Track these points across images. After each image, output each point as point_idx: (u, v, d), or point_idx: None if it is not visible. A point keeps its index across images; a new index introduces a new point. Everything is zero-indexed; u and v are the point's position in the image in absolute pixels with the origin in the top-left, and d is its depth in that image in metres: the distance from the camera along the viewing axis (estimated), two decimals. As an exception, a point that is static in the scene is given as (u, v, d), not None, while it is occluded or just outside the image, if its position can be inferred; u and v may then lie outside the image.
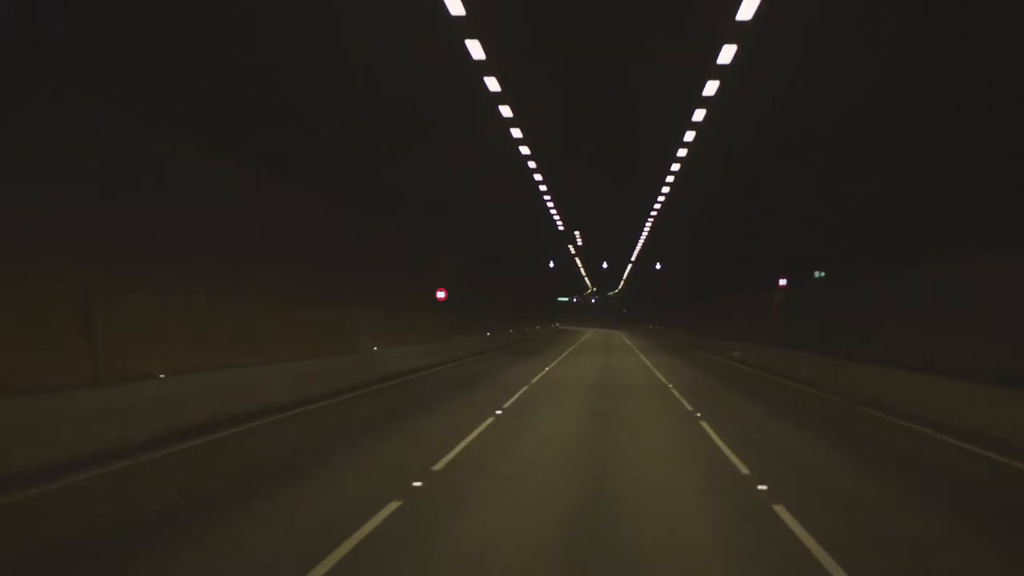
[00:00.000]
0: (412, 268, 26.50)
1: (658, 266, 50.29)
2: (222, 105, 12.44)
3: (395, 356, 21.19)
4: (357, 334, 19.88)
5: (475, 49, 13.85)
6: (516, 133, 21.05)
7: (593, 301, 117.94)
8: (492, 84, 16.10)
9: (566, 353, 34.77)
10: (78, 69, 9.46)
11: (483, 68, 14.93)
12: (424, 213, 24.90)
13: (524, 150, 23.31)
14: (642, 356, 32.77)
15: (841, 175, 18.94)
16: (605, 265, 58.91)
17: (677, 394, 16.64)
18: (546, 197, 32.32)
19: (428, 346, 25.27)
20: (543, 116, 20.23)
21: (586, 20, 14.00)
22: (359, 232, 20.95)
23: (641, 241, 47.92)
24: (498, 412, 13.12)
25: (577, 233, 41.48)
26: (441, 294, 27.45)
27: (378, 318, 22.08)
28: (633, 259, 56.11)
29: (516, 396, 15.69)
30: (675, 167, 25.63)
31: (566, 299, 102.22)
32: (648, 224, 41.20)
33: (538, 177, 28.01)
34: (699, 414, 13.13)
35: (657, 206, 34.68)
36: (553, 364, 26.61)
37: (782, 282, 26.21)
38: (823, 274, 23.85)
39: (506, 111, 18.61)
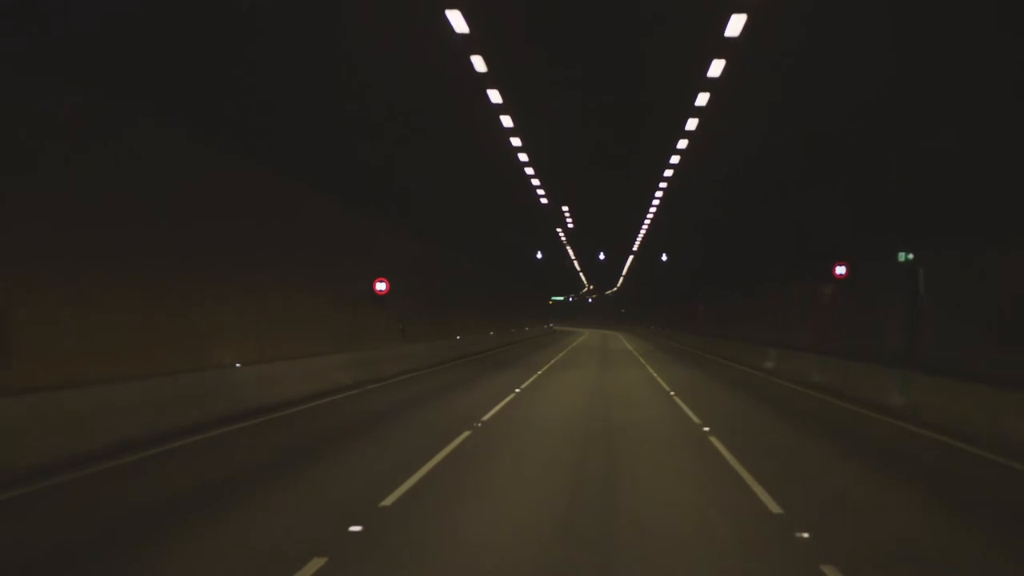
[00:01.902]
0: (348, 250, 20.01)
1: (664, 257, 43.78)
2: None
3: (279, 376, 14.13)
4: (213, 340, 13.28)
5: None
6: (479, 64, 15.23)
7: (590, 300, 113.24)
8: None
9: (551, 363, 27.30)
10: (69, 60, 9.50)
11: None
12: (372, 185, 19.58)
13: (505, 119, 18.10)
14: (650, 368, 25.06)
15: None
16: (602, 256, 52.55)
17: (729, 455, 9.35)
18: (534, 181, 26.62)
19: (353, 356, 18.30)
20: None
21: None
22: (251, 194, 14.71)
23: (643, 231, 42.00)
24: (339, 540, 5.82)
25: (566, 209, 34.46)
26: (382, 286, 20.78)
27: (279, 318, 15.85)
28: (635, 249, 50.06)
29: (425, 470, 8.20)
30: (683, 143, 20.82)
31: (561, 298, 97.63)
32: (651, 211, 35.40)
33: (524, 158, 22.75)
34: (818, 546, 5.78)
35: (659, 195, 29.70)
36: (528, 383, 19.08)
37: (840, 270, 19.35)
38: (911, 256, 16.80)
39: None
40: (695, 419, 12.61)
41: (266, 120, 13.81)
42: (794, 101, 15.42)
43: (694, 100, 16.41)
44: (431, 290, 28.63)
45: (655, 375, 22.02)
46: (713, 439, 10.51)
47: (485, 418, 12.31)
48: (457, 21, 11.91)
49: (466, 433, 10.67)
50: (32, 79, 9.35)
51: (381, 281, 21.02)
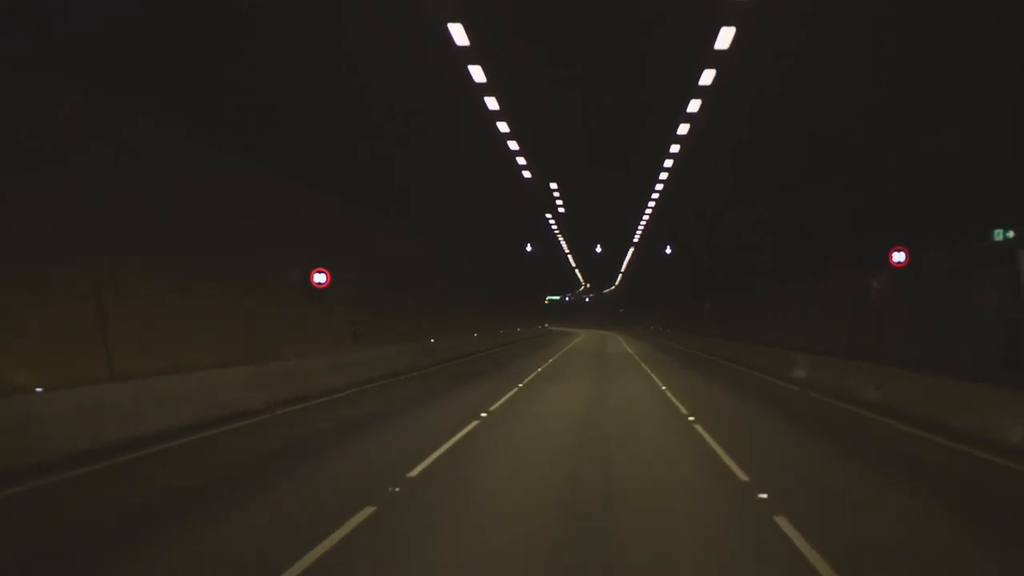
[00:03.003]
0: (272, 230, 16.23)
1: (668, 250, 42.66)
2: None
3: (116, 405, 9.85)
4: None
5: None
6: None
7: (588, 300, 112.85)
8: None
9: (538, 372, 23.28)
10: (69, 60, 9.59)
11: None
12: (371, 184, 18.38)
13: (496, 112, 17.62)
14: (657, 379, 20.84)
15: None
16: (599, 249, 51.63)
17: None
18: (523, 168, 25.68)
19: (267, 369, 14.04)
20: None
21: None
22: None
23: (641, 229, 41.75)
24: None
25: (554, 185, 31.92)
26: (321, 277, 17.19)
27: (142, 320, 11.82)
28: (634, 245, 49.75)
29: None
30: (676, 147, 20.95)
31: (557, 297, 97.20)
32: (649, 209, 35.37)
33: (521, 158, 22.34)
34: None
35: (655, 196, 29.78)
36: (500, 402, 14.71)
37: (897, 257, 16.00)
38: (1011, 234, 13.62)
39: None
40: (741, 475, 8.20)
41: (266, 120, 13.78)
42: (794, 100, 15.45)
43: (690, 100, 16.53)
44: (403, 286, 25.95)
45: (666, 390, 17.61)
46: (795, 538, 5.92)
47: (412, 474, 8.05)
48: (454, 25, 12.00)
49: (358, 517, 6.30)
50: (32, 79, 9.40)
51: (320, 272, 17.15)
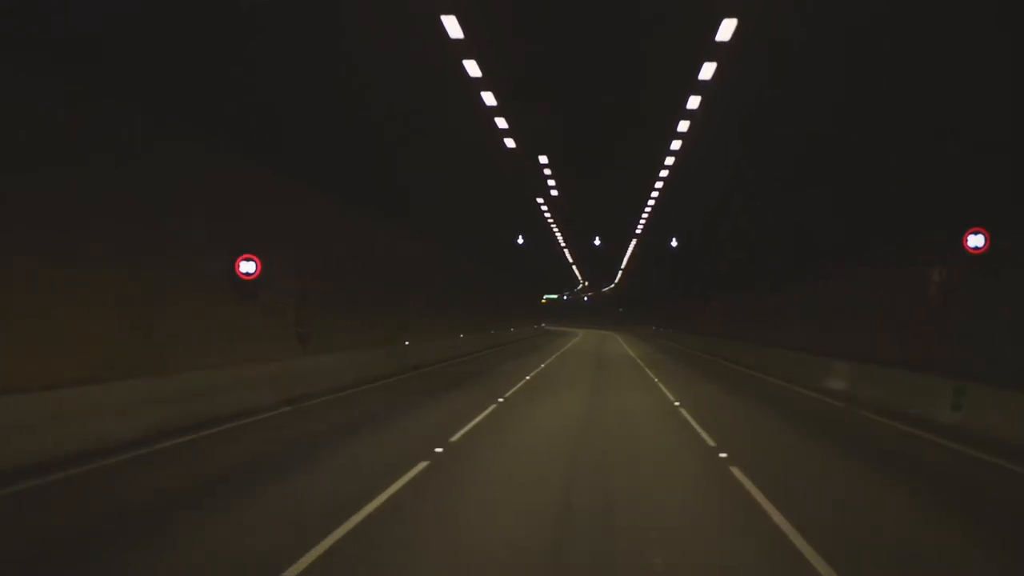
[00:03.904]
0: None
1: (674, 243, 41.77)
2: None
3: None
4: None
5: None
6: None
7: (587, 299, 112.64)
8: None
9: (526, 379, 20.93)
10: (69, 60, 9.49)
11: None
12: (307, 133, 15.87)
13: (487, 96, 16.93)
14: (666, 390, 18.40)
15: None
16: (598, 242, 50.90)
17: None
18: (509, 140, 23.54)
19: (162, 386, 11.03)
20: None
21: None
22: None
23: (641, 227, 41.63)
24: None
25: (550, 178, 29.36)
26: (249, 266, 14.29)
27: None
28: (632, 250, 49.62)
29: None
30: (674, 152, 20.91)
31: (555, 296, 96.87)
32: (648, 208, 35.13)
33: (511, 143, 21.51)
34: None
35: (655, 193, 29.20)
36: (469, 427, 11.74)
37: (974, 241, 13.03)
38: None
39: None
40: None
41: (266, 120, 13.79)
42: (793, 99, 15.45)
43: (689, 98, 16.53)
44: (379, 284, 23.64)
45: (677, 403, 15.43)
46: None
47: None
48: (452, 27, 11.99)
49: None
50: (32, 79, 9.36)
51: (248, 259, 14.30)
